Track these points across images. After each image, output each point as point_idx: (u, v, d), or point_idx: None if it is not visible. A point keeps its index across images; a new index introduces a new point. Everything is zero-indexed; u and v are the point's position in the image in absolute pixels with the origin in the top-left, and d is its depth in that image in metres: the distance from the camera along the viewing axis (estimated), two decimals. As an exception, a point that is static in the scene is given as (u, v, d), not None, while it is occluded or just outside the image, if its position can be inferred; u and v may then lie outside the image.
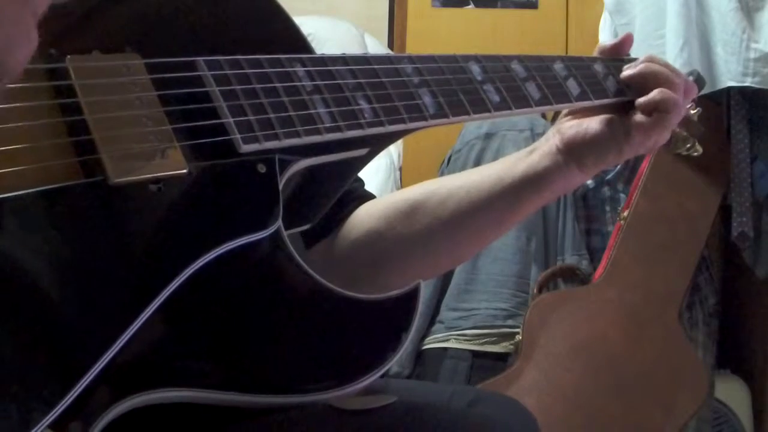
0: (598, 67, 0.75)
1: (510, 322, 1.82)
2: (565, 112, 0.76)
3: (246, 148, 0.54)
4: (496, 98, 0.67)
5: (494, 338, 1.82)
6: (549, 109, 0.72)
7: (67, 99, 0.50)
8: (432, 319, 1.89)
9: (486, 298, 1.85)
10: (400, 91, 0.62)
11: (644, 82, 0.73)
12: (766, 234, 1.71)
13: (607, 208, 1.96)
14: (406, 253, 0.77)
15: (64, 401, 0.42)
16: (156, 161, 0.51)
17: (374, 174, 2.16)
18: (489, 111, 0.66)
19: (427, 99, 0.64)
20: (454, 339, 1.83)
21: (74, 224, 0.48)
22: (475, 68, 0.68)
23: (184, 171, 0.52)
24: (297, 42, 0.64)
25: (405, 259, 0.77)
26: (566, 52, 2.37)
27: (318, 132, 0.58)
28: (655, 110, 0.71)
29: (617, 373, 1.66)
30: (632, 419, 1.63)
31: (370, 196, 0.82)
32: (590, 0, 2.26)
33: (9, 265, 0.44)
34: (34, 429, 0.41)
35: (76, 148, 0.49)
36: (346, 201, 0.78)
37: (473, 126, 2.05)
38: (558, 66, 0.73)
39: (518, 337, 1.72)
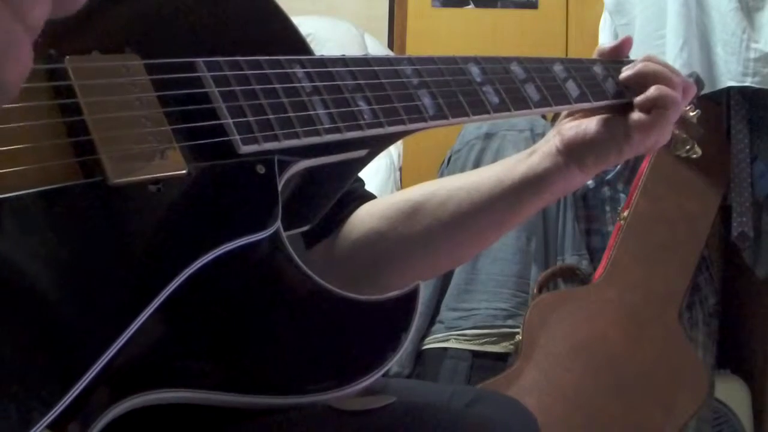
0: (598, 69, 0.75)
1: (510, 322, 1.82)
2: (565, 113, 0.76)
3: (245, 149, 0.54)
4: (496, 99, 0.67)
5: (494, 338, 1.82)
6: (548, 111, 0.72)
7: (67, 99, 0.50)
8: (432, 319, 1.90)
9: (486, 298, 1.85)
10: (399, 93, 0.63)
11: (642, 81, 0.73)
12: (766, 234, 1.71)
13: (607, 208, 1.96)
14: (406, 253, 0.77)
15: (63, 401, 0.42)
16: (155, 162, 0.51)
17: (374, 174, 2.16)
18: (488, 112, 0.66)
19: (427, 100, 0.64)
20: (454, 339, 1.83)
21: (74, 224, 0.48)
22: (475, 69, 0.68)
23: (184, 172, 0.52)
24: (296, 43, 0.64)
25: (405, 259, 0.77)
26: (566, 53, 2.37)
27: (317, 133, 0.58)
28: (654, 107, 0.71)
29: (617, 373, 1.66)
30: (632, 419, 1.63)
31: (370, 196, 0.82)
32: (590, 0, 2.26)
33: (8, 266, 0.44)
34: (33, 429, 0.41)
35: (75, 148, 0.49)
36: (346, 201, 0.78)
37: (473, 126, 2.05)
38: (557, 68, 0.73)
39: (518, 337, 1.72)
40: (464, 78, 0.67)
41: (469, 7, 2.49)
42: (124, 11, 0.58)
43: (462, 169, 1.91)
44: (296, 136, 0.57)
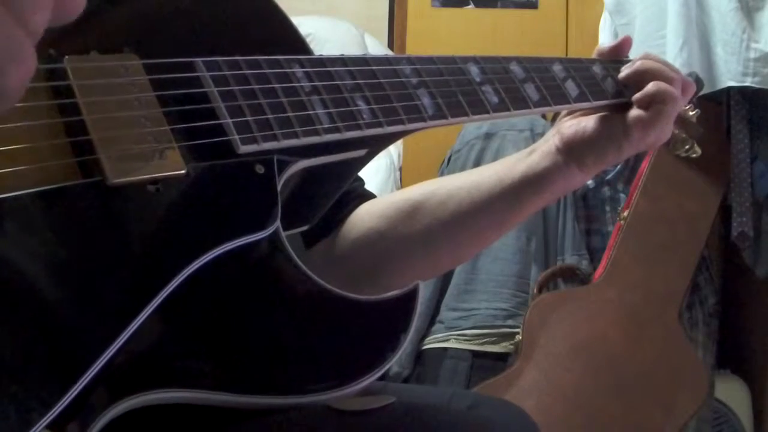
0: (597, 69, 0.75)
1: (510, 322, 1.82)
2: (564, 112, 0.76)
3: (244, 148, 0.54)
4: (495, 99, 0.67)
5: (494, 338, 1.82)
6: (548, 110, 0.72)
7: (66, 99, 0.50)
8: (432, 319, 1.90)
9: (486, 298, 1.85)
10: (398, 92, 0.62)
11: (641, 79, 0.73)
12: (766, 234, 1.71)
13: (607, 208, 1.96)
14: (406, 253, 0.77)
15: (62, 402, 0.42)
16: (154, 162, 0.51)
17: (374, 174, 2.16)
18: (488, 112, 0.66)
19: (426, 100, 0.64)
20: (454, 339, 1.83)
21: (72, 225, 0.48)
22: (474, 69, 0.68)
23: (183, 172, 0.52)
24: (296, 43, 0.64)
25: (405, 259, 0.77)
26: (566, 53, 2.37)
27: (316, 133, 0.57)
28: (652, 102, 0.71)
29: (617, 373, 1.66)
30: (632, 419, 1.63)
31: (370, 196, 0.82)
32: (590, 0, 2.27)
33: (7, 266, 0.44)
34: (33, 429, 0.41)
35: (74, 148, 0.49)
36: (345, 201, 0.78)
37: (473, 126, 2.05)
38: (557, 67, 0.73)
39: (518, 337, 1.72)
40: (463, 78, 0.67)
41: (469, 7, 2.49)
42: (123, 11, 0.58)
43: (462, 169, 1.91)
44: (295, 135, 0.56)
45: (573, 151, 0.73)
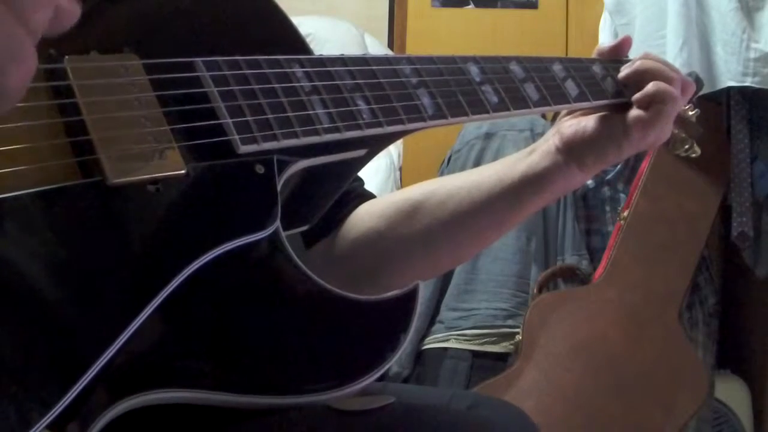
0: (597, 69, 0.75)
1: (510, 322, 1.82)
2: (564, 112, 0.76)
3: (244, 148, 0.54)
4: (495, 99, 0.67)
5: (494, 338, 1.82)
6: (547, 110, 0.72)
7: (66, 99, 0.50)
8: (432, 319, 1.90)
9: (486, 298, 1.85)
10: (398, 92, 0.62)
11: (640, 79, 0.73)
12: (766, 234, 1.71)
13: (607, 208, 1.96)
14: (406, 253, 0.77)
15: (62, 402, 0.42)
16: (154, 162, 0.51)
17: (374, 174, 2.16)
18: (487, 112, 0.66)
19: (426, 100, 0.64)
20: (454, 339, 1.83)
21: (72, 225, 0.48)
22: (474, 69, 0.68)
23: (182, 172, 0.52)
24: (295, 43, 0.64)
25: (405, 259, 0.77)
26: (566, 53, 2.37)
27: (316, 133, 0.57)
28: (652, 102, 0.71)
29: (617, 373, 1.66)
30: (632, 419, 1.63)
31: (369, 196, 0.82)
32: (590, 0, 2.26)
33: (7, 266, 0.44)
34: (33, 429, 0.41)
35: (74, 148, 0.49)
36: (345, 201, 0.78)
37: (473, 126, 2.05)
38: (557, 67, 0.73)
39: (518, 337, 1.72)
40: (463, 77, 0.67)
41: (469, 7, 2.49)
42: (122, 11, 0.58)
43: (462, 169, 1.91)
44: (295, 135, 0.56)
45: (573, 150, 0.73)
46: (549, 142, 0.74)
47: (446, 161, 2.10)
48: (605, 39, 1.90)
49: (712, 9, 1.65)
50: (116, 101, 0.52)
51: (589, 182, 1.94)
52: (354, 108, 0.60)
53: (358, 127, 0.59)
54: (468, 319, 1.84)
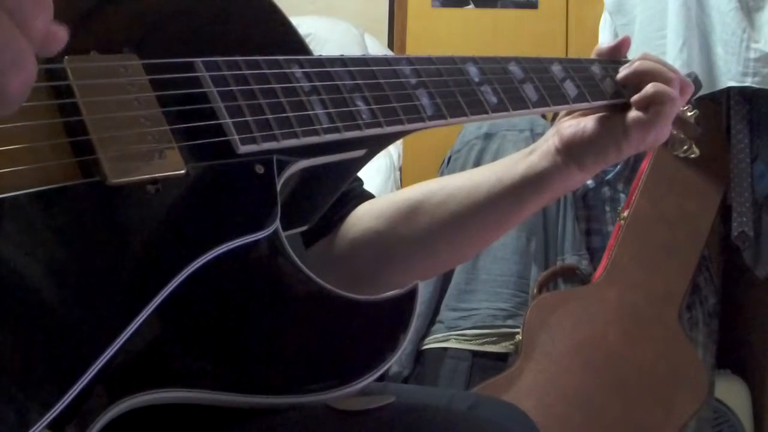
0: (596, 69, 0.75)
1: (510, 322, 1.82)
2: (563, 112, 0.76)
3: (244, 148, 0.54)
4: (494, 99, 0.67)
5: (494, 338, 1.82)
6: (546, 111, 0.72)
7: (66, 99, 0.50)
8: (432, 319, 1.90)
9: (486, 298, 1.85)
10: (397, 93, 0.62)
11: (639, 80, 0.73)
12: (766, 234, 1.71)
13: (607, 208, 1.96)
14: (406, 253, 0.77)
15: (61, 402, 0.42)
16: (154, 162, 0.51)
17: (374, 174, 2.16)
18: (486, 112, 0.66)
19: (425, 100, 0.64)
20: (454, 339, 1.83)
21: (72, 225, 0.48)
22: (473, 70, 0.68)
23: (182, 172, 0.52)
24: (295, 43, 0.64)
25: (405, 259, 0.77)
26: (566, 53, 2.37)
27: (316, 133, 0.58)
28: (651, 104, 0.71)
29: (617, 372, 1.67)
30: (632, 419, 1.63)
31: (369, 196, 0.82)
32: (590, 0, 2.26)
33: (6, 266, 0.44)
34: (32, 429, 0.41)
35: (74, 148, 0.49)
36: (344, 201, 0.78)
37: (473, 126, 2.05)
38: (555, 68, 0.73)
39: (518, 337, 1.72)
40: (462, 78, 0.67)
41: (469, 7, 2.49)
42: (122, 12, 0.58)
43: (462, 169, 1.91)
44: (295, 135, 0.57)
45: (572, 151, 0.73)
46: (548, 143, 0.74)
47: (446, 161, 2.10)
48: (605, 39, 1.90)
49: (713, 9, 1.65)
50: (116, 101, 0.52)
51: (589, 182, 1.94)
52: (353, 108, 0.60)
53: (358, 127, 0.59)
54: (468, 319, 1.84)
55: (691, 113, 0.78)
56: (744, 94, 1.73)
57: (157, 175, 0.51)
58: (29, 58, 0.36)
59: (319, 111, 0.58)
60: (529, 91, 0.70)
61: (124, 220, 0.50)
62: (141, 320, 0.46)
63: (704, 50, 1.65)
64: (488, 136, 2.02)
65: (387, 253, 0.77)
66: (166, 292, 0.48)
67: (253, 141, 0.55)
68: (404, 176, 2.34)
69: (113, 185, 0.49)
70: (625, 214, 1.79)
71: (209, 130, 0.54)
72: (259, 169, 0.55)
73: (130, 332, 0.46)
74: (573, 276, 1.86)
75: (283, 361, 0.55)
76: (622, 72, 0.75)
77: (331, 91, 0.60)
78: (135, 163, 0.50)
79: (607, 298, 1.73)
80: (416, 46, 2.45)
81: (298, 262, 0.55)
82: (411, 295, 0.59)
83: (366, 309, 0.58)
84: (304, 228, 0.65)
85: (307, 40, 0.65)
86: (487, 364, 1.79)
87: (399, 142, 2.32)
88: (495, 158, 1.91)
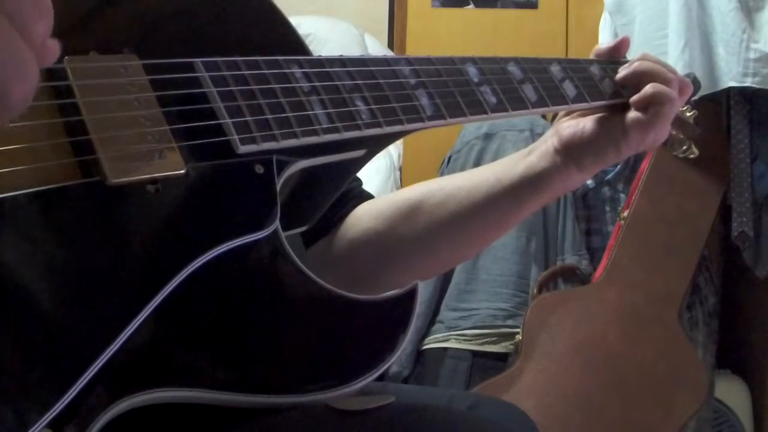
0: (595, 69, 0.75)
1: (510, 322, 1.83)
2: (562, 113, 0.76)
3: (243, 148, 0.54)
4: (493, 100, 0.67)
5: (494, 338, 1.82)
6: (545, 111, 0.72)
7: (66, 99, 0.50)
8: (432, 319, 1.90)
9: (486, 298, 1.85)
10: (397, 93, 0.63)
11: (638, 80, 0.73)
12: (766, 234, 1.71)
13: (607, 208, 1.96)
14: (405, 253, 0.77)
15: (61, 402, 0.42)
16: (154, 162, 0.51)
17: (374, 174, 2.16)
18: (486, 113, 0.66)
19: (424, 100, 0.64)
20: (454, 339, 1.83)
21: (72, 224, 0.48)
22: (472, 70, 0.68)
23: (182, 171, 0.52)
24: (294, 44, 0.64)
25: (405, 259, 0.77)
26: (566, 53, 2.37)
27: (315, 133, 0.58)
28: (650, 104, 0.71)
29: (617, 372, 1.67)
30: (632, 419, 1.63)
31: (368, 196, 0.82)
32: (590, 0, 2.26)
33: (5, 265, 0.44)
34: (31, 429, 0.41)
35: (74, 148, 0.49)
36: (344, 201, 0.78)
37: (473, 126, 2.05)
38: (555, 68, 0.73)
39: (518, 337, 1.72)
40: (462, 78, 0.67)
41: (469, 7, 2.49)
42: (122, 12, 0.58)
43: (462, 170, 1.91)
44: (294, 136, 0.57)
45: (571, 152, 0.73)
46: (547, 143, 0.74)
47: (446, 161, 2.10)
48: (605, 39, 1.90)
49: (713, 9, 1.65)
50: (116, 101, 0.52)
51: (589, 182, 1.94)
52: (353, 108, 0.60)
53: (357, 127, 0.59)
54: (468, 319, 1.84)
55: (690, 113, 0.78)
56: (744, 94, 1.73)
57: (157, 175, 0.51)
58: (31, 66, 0.37)
59: (319, 111, 0.58)
60: (528, 91, 0.70)
61: (124, 219, 0.50)
62: (141, 320, 0.47)
63: (706, 51, 1.65)
64: (488, 136, 2.02)
65: (386, 253, 0.77)
66: (166, 292, 0.48)
67: (253, 141, 0.55)
68: (404, 176, 2.34)
69: (113, 185, 0.49)
70: (625, 214, 1.79)
71: (209, 130, 0.54)
72: (259, 169, 0.55)
73: (130, 332, 0.46)
74: (573, 276, 1.86)
75: (282, 360, 0.55)
76: (621, 72, 0.75)
77: (331, 91, 0.60)
78: (135, 163, 0.50)
79: (607, 298, 1.73)
80: (416, 46, 2.45)
81: (298, 261, 0.56)
82: (411, 295, 0.59)
83: (365, 309, 0.58)
84: (304, 228, 0.65)
85: (307, 40, 0.65)
86: (487, 364, 1.79)
87: (399, 142, 2.32)
88: (495, 158, 1.91)
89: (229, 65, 0.57)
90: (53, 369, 0.43)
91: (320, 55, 0.62)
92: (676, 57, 1.63)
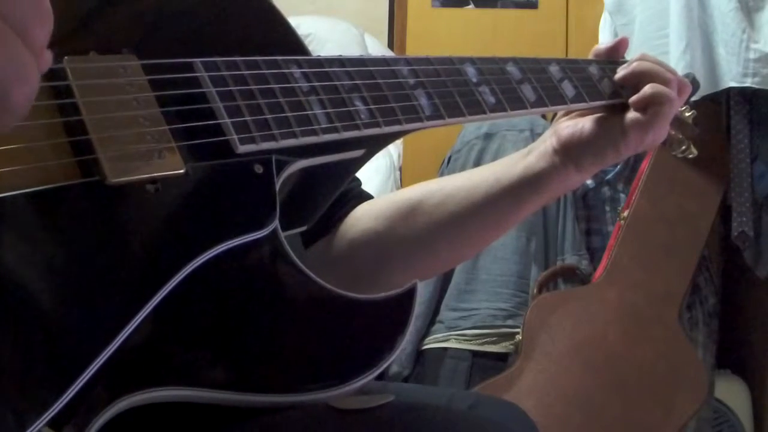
0: (594, 70, 0.75)
1: (510, 322, 1.83)
2: (561, 113, 0.77)
3: (243, 148, 0.55)
4: (492, 100, 0.67)
5: (494, 338, 1.82)
6: (544, 111, 0.72)
7: (65, 99, 0.50)
8: (432, 319, 1.90)
9: (486, 298, 1.85)
10: (396, 93, 0.63)
11: (637, 80, 0.73)
12: (766, 234, 1.71)
13: (607, 208, 1.96)
14: (405, 253, 0.77)
15: (60, 401, 0.42)
16: (153, 161, 0.51)
17: (374, 174, 2.16)
18: (485, 113, 0.67)
19: (423, 100, 0.64)
20: (454, 339, 1.83)
21: (71, 224, 0.48)
22: (471, 70, 0.68)
23: (181, 171, 0.52)
24: (293, 44, 0.64)
25: (405, 258, 0.77)
26: (566, 53, 2.37)
27: (314, 133, 0.58)
28: (649, 104, 0.71)
29: (617, 372, 1.67)
30: (632, 419, 1.63)
31: (367, 196, 0.82)
32: (590, 0, 2.26)
33: (4, 265, 0.44)
34: (30, 429, 0.41)
35: (73, 148, 0.49)
36: (343, 201, 0.79)
37: (473, 126, 2.05)
38: (553, 68, 0.73)
39: (518, 337, 1.72)
40: (460, 78, 0.67)
41: (469, 7, 2.49)
42: (121, 13, 0.58)
43: (462, 170, 1.91)
44: (294, 135, 0.57)
45: (570, 152, 0.73)
46: (546, 143, 0.74)
47: (446, 161, 2.10)
48: (605, 39, 1.90)
49: (714, 9, 1.65)
50: (115, 101, 0.52)
51: (589, 182, 1.94)
52: (352, 108, 0.60)
53: (356, 127, 0.60)
54: (468, 319, 1.84)
55: (689, 114, 0.78)
56: (744, 94, 1.73)
57: (156, 174, 0.51)
58: (32, 70, 0.37)
59: (318, 111, 0.59)
60: (527, 91, 0.70)
61: (124, 219, 0.50)
62: (140, 319, 0.47)
63: (707, 51, 1.65)
64: (488, 136, 2.02)
65: (386, 253, 0.77)
66: (165, 291, 0.48)
67: (252, 141, 0.55)
68: (404, 176, 2.34)
69: (113, 185, 0.49)
70: (625, 214, 1.79)
71: (208, 129, 0.54)
72: (258, 168, 0.56)
73: (130, 331, 0.46)
74: (573, 276, 1.86)
75: (282, 359, 0.55)
76: (620, 72, 0.75)
77: (330, 91, 0.60)
78: (134, 162, 0.50)
79: (607, 298, 1.73)
80: (416, 46, 2.45)
81: (297, 261, 0.56)
82: (410, 294, 0.59)
83: (364, 308, 0.58)
84: (303, 228, 0.66)
85: (307, 40, 0.66)
86: (487, 364, 1.79)
87: (399, 142, 2.32)
88: (495, 158, 1.91)
89: (228, 65, 0.57)
90: (52, 368, 0.43)
91: (319, 55, 0.62)
92: (677, 58, 1.63)
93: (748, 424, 1.86)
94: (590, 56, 0.78)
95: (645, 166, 1.82)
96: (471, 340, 1.82)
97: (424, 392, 0.78)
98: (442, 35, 2.46)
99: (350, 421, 0.57)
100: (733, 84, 1.61)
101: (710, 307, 1.85)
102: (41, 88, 0.49)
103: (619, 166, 1.92)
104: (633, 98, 0.72)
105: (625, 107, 0.73)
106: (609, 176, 1.95)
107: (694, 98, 0.80)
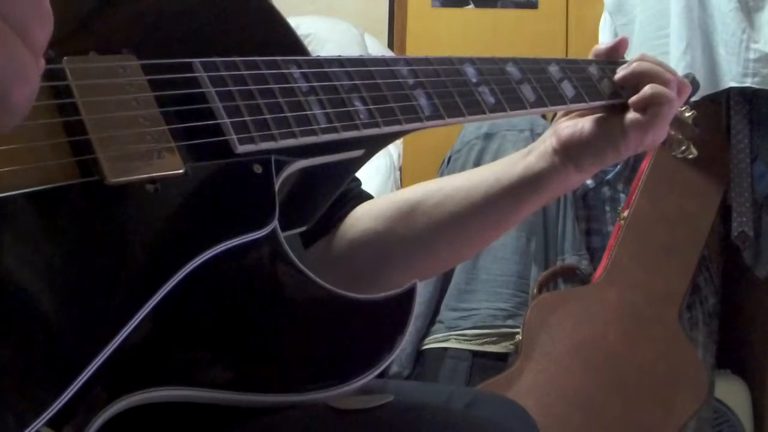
0: (593, 70, 0.75)
1: (510, 322, 1.83)
2: (561, 113, 0.77)
3: (242, 148, 0.55)
4: (491, 100, 0.67)
5: (494, 338, 1.82)
6: (544, 111, 0.72)
7: (65, 99, 0.50)
8: (432, 319, 1.90)
9: (486, 298, 1.85)
10: (395, 93, 0.63)
11: (637, 81, 0.73)
12: (766, 234, 1.71)
13: (607, 208, 1.96)
14: (405, 253, 0.77)
15: (59, 401, 0.42)
16: (152, 161, 0.51)
17: (374, 174, 2.16)
18: (484, 113, 0.67)
19: (423, 100, 0.64)
20: (454, 339, 1.83)
21: (71, 224, 0.48)
22: (470, 70, 0.68)
23: (181, 171, 0.52)
24: (292, 44, 0.64)
25: (405, 259, 0.77)
26: (566, 53, 2.37)
27: (314, 133, 0.58)
28: (649, 105, 0.71)
29: (617, 372, 1.67)
30: (632, 419, 1.63)
31: (367, 196, 0.82)
32: (590, 0, 2.26)
33: (4, 265, 0.44)
34: (29, 429, 0.41)
35: (73, 148, 0.49)
36: (343, 201, 0.79)
37: (473, 126, 2.06)
38: (553, 68, 0.73)
39: (518, 337, 1.72)
40: (460, 78, 0.67)
41: (469, 7, 2.49)
42: (121, 13, 0.58)
43: (462, 170, 1.91)
44: (293, 135, 0.57)
45: (570, 152, 0.73)
46: (546, 144, 0.74)
47: (446, 161, 2.10)
48: (605, 39, 1.90)
49: (714, 9, 1.65)
50: (115, 101, 0.52)
51: (589, 182, 1.94)
52: (351, 108, 0.60)
53: (356, 127, 0.60)
54: (468, 319, 1.84)
55: (689, 114, 0.78)
56: (744, 94, 1.73)
57: (155, 174, 0.51)
58: (32, 71, 0.37)
59: (317, 111, 0.59)
60: (527, 91, 0.70)
61: (123, 219, 0.50)
62: (139, 318, 0.47)
63: (707, 51, 1.65)
64: (488, 136, 2.02)
65: (386, 253, 0.77)
66: (165, 291, 0.48)
67: (251, 141, 0.55)
68: (404, 176, 2.34)
69: (112, 185, 0.49)
70: (625, 214, 1.79)
71: (207, 130, 0.54)
72: (258, 168, 0.56)
73: (129, 330, 0.46)
74: (573, 276, 1.86)
75: (281, 359, 0.55)
76: (620, 73, 0.75)
77: (329, 91, 0.60)
78: (134, 162, 0.50)
79: (607, 298, 1.73)
80: (416, 46, 2.45)
81: (296, 261, 0.56)
82: (409, 294, 0.59)
83: (364, 308, 0.58)
84: (303, 228, 0.66)
85: (306, 41, 0.66)
86: (487, 364, 1.79)
87: (399, 142, 2.32)
88: (495, 158, 1.91)
89: (227, 65, 0.57)
90: (51, 368, 0.43)
91: (319, 56, 0.62)
92: (678, 58, 1.63)
93: (748, 424, 1.86)
94: (590, 56, 0.78)
95: (645, 166, 1.82)
96: (471, 340, 1.82)
97: (423, 390, 0.78)
98: (442, 35, 2.46)
99: (350, 421, 0.57)
100: (733, 84, 1.61)
101: (710, 307, 1.85)
102: (41, 88, 0.49)
103: (619, 166, 1.92)
104: (633, 98, 0.72)
105: (624, 107, 0.73)
106: (609, 176, 1.95)
107: (694, 98, 0.80)
